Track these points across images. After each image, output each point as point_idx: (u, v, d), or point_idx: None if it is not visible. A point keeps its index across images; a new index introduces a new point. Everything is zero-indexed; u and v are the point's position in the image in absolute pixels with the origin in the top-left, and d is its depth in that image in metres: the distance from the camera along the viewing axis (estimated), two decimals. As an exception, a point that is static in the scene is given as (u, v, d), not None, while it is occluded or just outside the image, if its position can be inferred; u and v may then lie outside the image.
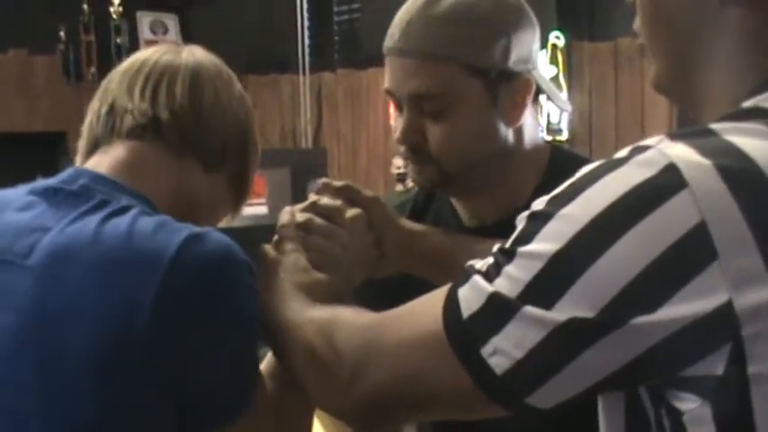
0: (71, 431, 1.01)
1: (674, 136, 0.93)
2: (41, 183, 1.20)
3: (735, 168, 0.84)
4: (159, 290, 1.01)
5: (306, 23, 8.67)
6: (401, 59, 1.32)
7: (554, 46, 6.77)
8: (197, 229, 1.08)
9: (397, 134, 1.38)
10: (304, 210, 1.34)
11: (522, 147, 1.41)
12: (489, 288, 0.92)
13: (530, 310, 0.88)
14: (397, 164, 7.08)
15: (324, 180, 1.38)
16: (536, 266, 0.89)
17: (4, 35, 8.22)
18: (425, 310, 0.98)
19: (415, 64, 1.31)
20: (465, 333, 0.92)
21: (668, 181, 0.86)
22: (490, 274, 0.94)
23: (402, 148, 1.41)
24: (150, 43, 9.57)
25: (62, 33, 8.82)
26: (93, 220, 1.09)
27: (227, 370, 1.08)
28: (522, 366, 0.89)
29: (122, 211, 1.10)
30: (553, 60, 6.79)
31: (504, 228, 1.38)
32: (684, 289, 0.82)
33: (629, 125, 6.67)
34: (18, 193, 1.20)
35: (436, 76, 1.31)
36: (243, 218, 1.64)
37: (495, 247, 0.96)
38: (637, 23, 1.05)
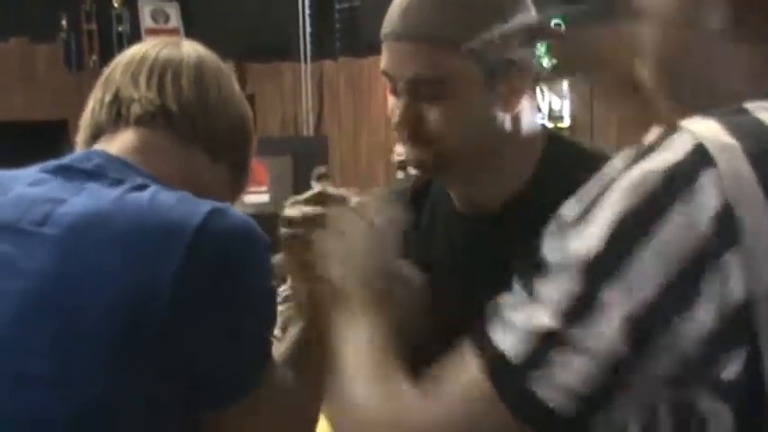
0: (79, 399, 1.01)
1: (706, 113, 0.91)
2: (53, 162, 1.21)
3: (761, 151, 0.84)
4: (183, 260, 1.02)
5: (307, 11, 8.65)
6: (398, 43, 1.32)
7: (555, 33, 6.75)
8: (218, 203, 1.10)
9: (394, 118, 1.37)
10: (311, 201, 1.33)
11: (519, 133, 1.40)
12: (529, 322, 0.89)
13: (574, 333, 0.86)
14: (399, 151, 7.07)
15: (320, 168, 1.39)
16: (571, 285, 0.87)
17: (5, 23, 8.22)
18: (462, 367, 0.95)
19: (413, 48, 1.31)
20: (512, 375, 0.89)
21: (695, 163, 0.85)
22: (523, 308, 0.91)
23: (400, 133, 1.40)
24: (152, 32, 9.56)
25: (64, 22, 8.81)
26: (112, 194, 1.10)
27: (239, 346, 1.08)
28: (579, 395, 0.87)
29: (141, 187, 1.12)
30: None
31: (499, 216, 1.38)
32: (710, 281, 0.82)
33: (631, 118, 6.64)
34: (28, 171, 1.22)
35: (433, 59, 1.30)
36: (245, 206, 1.65)
37: (518, 277, 0.94)
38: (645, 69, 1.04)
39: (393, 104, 1.38)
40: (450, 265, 1.45)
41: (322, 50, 8.78)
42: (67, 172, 1.17)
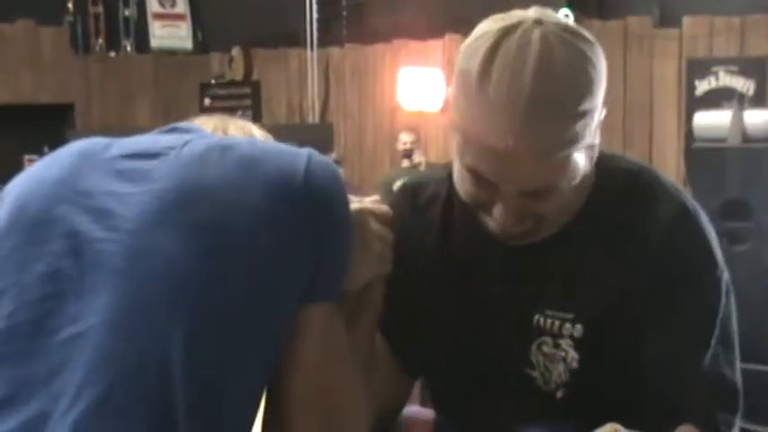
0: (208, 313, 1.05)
1: None
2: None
3: None
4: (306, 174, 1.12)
5: (314, -2, 8.64)
6: (514, 158, 1.18)
7: (563, 24, 6.73)
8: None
9: (498, 225, 1.26)
10: None
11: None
12: None
13: None
14: (404, 139, 7.06)
15: None
16: None
17: (11, 5, 8.20)
18: None
19: (530, 163, 1.18)
20: None
21: None
22: None
23: (505, 233, 1.29)
24: (158, 16, 9.55)
25: (70, 4, 8.81)
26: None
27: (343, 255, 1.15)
28: None
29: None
30: (562, 38, 6.75)
31: (544, 246, 1.29)
32: None
33: (637, 104, 6.64)
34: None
35: (551, 169, 1.21)
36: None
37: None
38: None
39: (475, 189, 1.26)
40: (481, 289, 1.36)
41: (328, 37, 8.77)
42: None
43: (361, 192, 7.22)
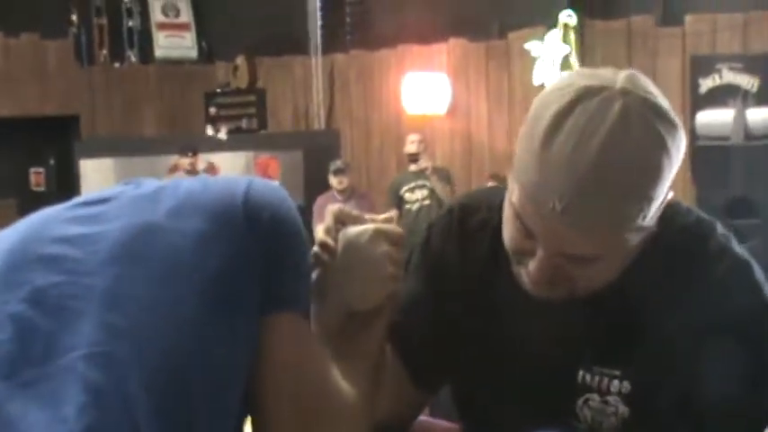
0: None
1: None
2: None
3: None
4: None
5: (318, 4, 8.66)
6: (553, 220, 1.13)
7: (566, 25, 6.74)
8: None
9: (530, 282, 1.20)
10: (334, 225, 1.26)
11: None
12: None
13: None
14: (411, 139, 7.06)
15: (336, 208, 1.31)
16: None
17: (16, 19, 8.25)
18: None
19: (573, 232, 1.13)
20: None
21: None
22: None
23: (537, 287, 1.20)
24: (162, 26, 9.57)
25: (74, 17, 8.83)
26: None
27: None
28: None
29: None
30: (565, 39, 6.76)
31: (595, 300, 1.20)
32: None
33: (642, 104, 6.63)
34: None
35: (595, 243, 1.14)
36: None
37: None
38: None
39: (517, 237, 1.19)
40: (521, 334, 1.30)
41: (333, 44, 8.78)
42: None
43: (369, 198, 7.23)
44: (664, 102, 1.13)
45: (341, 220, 1.24)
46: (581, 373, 1.24)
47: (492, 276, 1.31)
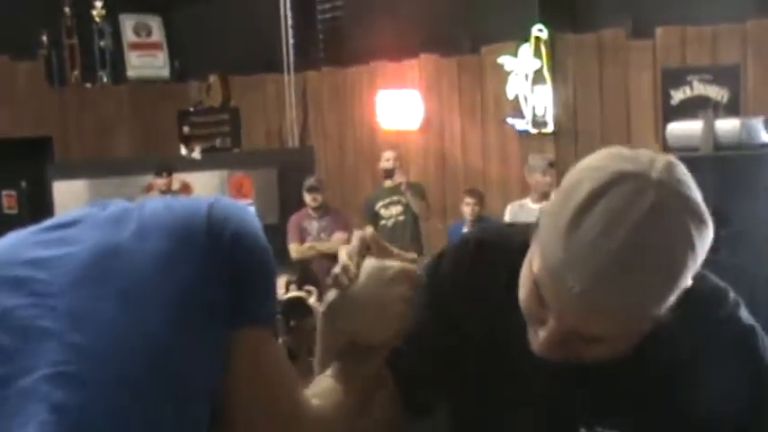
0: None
1: None
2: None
3: None
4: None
5: (290, 22, 8.66)
6: (570, 299, 1.12)
7: (537, 39, 6.78)
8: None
9: (537, 347, 1.19)
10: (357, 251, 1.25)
11: None
12: None
13: None
14: (387, 156, 7.07)
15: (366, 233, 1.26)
16: None
17: (-15, 42, 8.19)
18: None
19: (593, 316, 1.13)
20: None
21: None
22: None
23: (547, 350, 1.19)
24: (135, 46, 9.55)
25: (44, 38, 8.79)
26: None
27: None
28: None
29: None
30: (537, 53, 6.80)
31: (599, 363, 1.20)
32: None
33: (614, 116, 6.69)
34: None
35: (612, 328, 1.15)
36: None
37: None
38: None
39: (531, 300, 1.18)
40: (523, 380, 1.29)
41: (305, 61, 8.80)
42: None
43: (343, 215, 7.23)
44: (697, 196, 1.12)
45: (367, 246, 1.23)
46: (582, 429, 1.26)
47: (500, 316, 1.30)
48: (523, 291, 1.20)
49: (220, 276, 1.12)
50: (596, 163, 1.13)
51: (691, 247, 1.10)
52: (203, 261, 1.13)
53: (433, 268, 1.37)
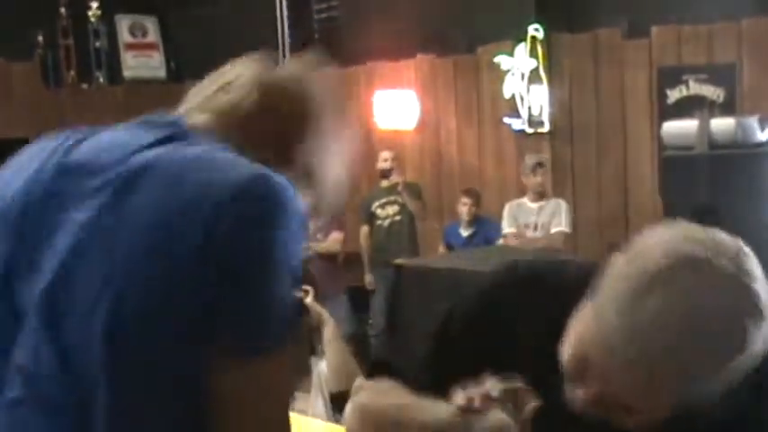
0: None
1: None
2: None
3: None
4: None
5: (286, 22, 8.65)
6: (621, 372, 1.14)
7: (533, 38, 6.79)
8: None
9: (575, 404, 1.20)
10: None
11: None
12: None
13: None
14: (384, 156, 7.06)
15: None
16: None
17: (-20, 43, 8.17)
18: None
19: (636, 388, 1.15)
20: None
21: None
22: None
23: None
24: (130, 46, 9.54)
25: (40, 38, 8.78)
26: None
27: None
28: None
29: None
30: (533, 53, 6.80)
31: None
32: None
33: (610, 115, 6.69)
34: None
35: (659, 398, 1.16)
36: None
37: None
38: None
39: (578, 367, 1.19)
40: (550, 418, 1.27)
41: (301, 61, 8.77)
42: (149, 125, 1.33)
43: (339, 215, 7.21)
44: (764, 291, 1.12)
45: (500, 399, 1.23)
46: None
47: (542, 349, 1.28)
48: (568, 345, 1.21)
49: (214, 276, 1.08)
50: (669, 239, 1.15)
51: (745, 345, 1.11)
52: (203, 250, 1.09)
53: (479, 293, 1.42)
